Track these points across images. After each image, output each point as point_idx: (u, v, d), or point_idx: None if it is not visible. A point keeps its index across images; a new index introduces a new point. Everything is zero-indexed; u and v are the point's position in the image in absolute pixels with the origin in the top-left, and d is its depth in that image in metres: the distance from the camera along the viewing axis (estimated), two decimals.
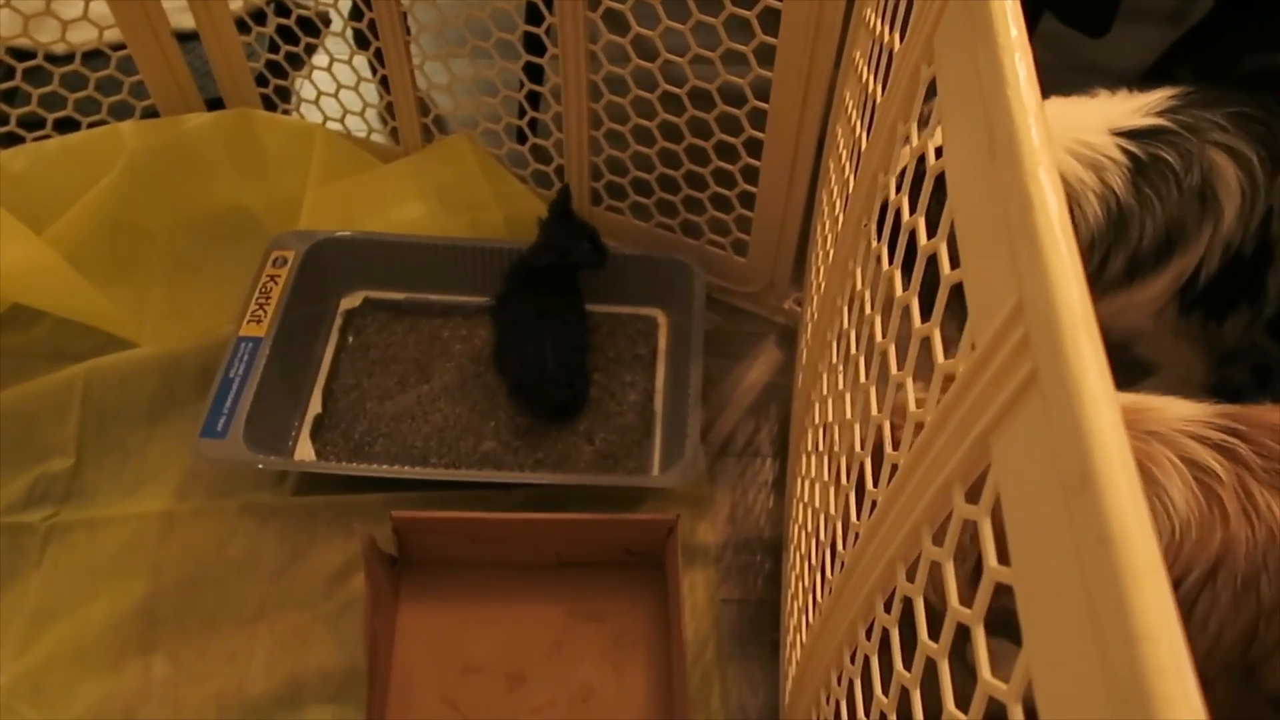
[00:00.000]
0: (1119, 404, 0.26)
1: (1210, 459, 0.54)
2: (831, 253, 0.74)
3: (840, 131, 0.81)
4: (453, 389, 1.01)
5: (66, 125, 1.15)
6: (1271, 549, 0.53)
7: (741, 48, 0.85)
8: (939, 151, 0.41)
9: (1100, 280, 0.79)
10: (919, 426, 0.39)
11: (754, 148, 0.94)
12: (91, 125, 1.15)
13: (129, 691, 0.80)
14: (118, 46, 1.12)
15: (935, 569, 0.38)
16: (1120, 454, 0.25)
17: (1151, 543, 0.24)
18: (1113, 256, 0.78)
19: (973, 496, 0.34)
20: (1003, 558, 0.31)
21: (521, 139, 1.14)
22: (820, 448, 0.70)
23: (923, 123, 0.47)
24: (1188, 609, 0.53)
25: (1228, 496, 0.54)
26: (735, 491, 0.96)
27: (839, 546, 0.55)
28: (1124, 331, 0.89)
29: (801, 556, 0.73)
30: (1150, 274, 0.80)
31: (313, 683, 0.80)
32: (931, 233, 0.41)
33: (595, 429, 0.98)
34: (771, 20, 0.82)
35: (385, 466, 0.94)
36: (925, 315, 0.41)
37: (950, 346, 0.38)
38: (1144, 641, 0.22)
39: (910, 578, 0.41)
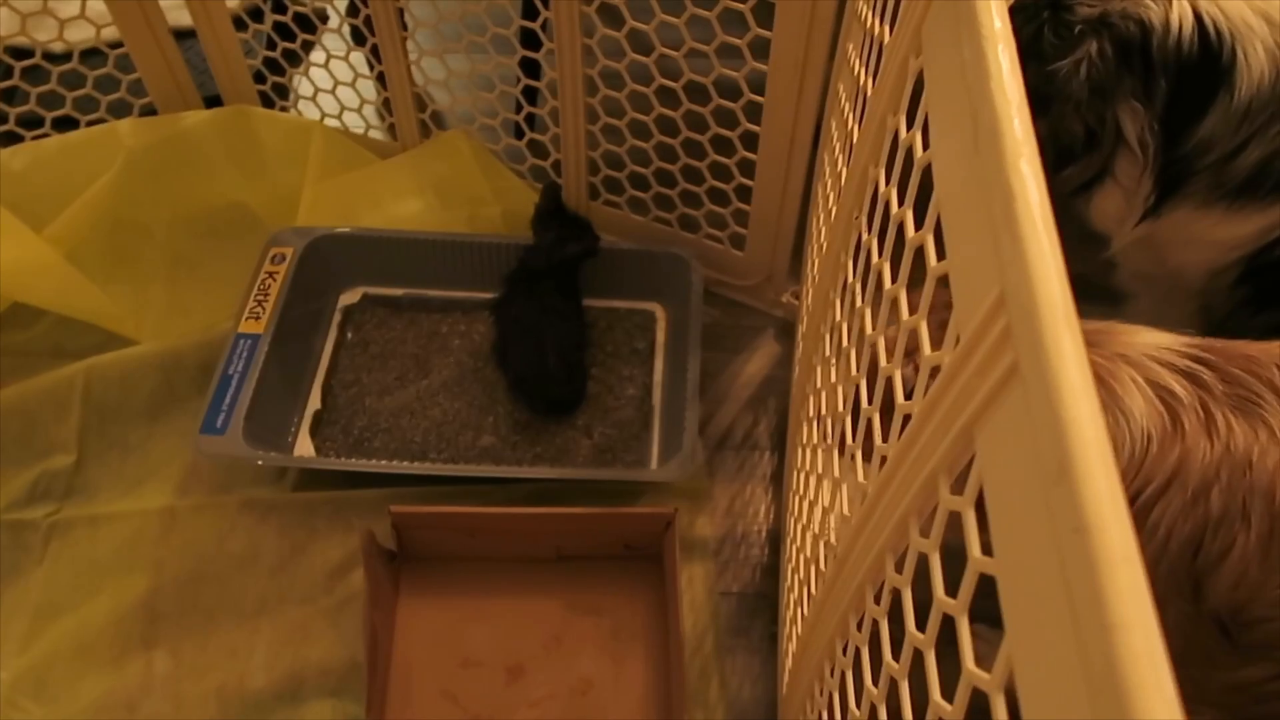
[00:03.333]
0: (1089, 374, 0.26)
1: (1173, 382, 0.56)
2: (825, 245, 0.74)
3: (834, 124, 0.81)
4: (451, 384, 1.01)
5: (65, 124, 1.15)
6: (1225, 463, 0.54)
7: (736, 41, 0.85)
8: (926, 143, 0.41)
9: (1222, 175, 0.70)
10: (906, 418, 0.40)
11: (750, 141, 0.94)
12: (90, 123, 1.15)
13: (131, 687, 0.81)
14: (115, 45, 1.12)
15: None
16: (1098, 445, 0.25)
17: (1128, 533, 0.24)
18: (1250, 147, 0.68)
19: (959, 488, 0.35)
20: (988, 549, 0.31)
21: (519, 134, 1.14)
22: (815, 441, 0.70)
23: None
24: (1143, 518, 0.55)
25: (1187, 415, 0.55)
26: (734, 485, 0.96)
27: (832, 539, 0.55)
28: (1160, 267, 0.80)
29: (798, 549, 0.73)
30: (1264, 201, 0.70)
31: (313, 677, 0.81)
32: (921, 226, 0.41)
33: (594, 423, 0.98)
34: (766, 13, 0.82)
35: (384, 462, 0.94)
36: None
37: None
38: (1119, 630, 0.22)
39: (899, 569, 0.41)
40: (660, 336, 1.06)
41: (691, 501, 0.93)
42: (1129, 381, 0.56)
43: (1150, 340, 0.59)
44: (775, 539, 0.92)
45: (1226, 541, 0.54)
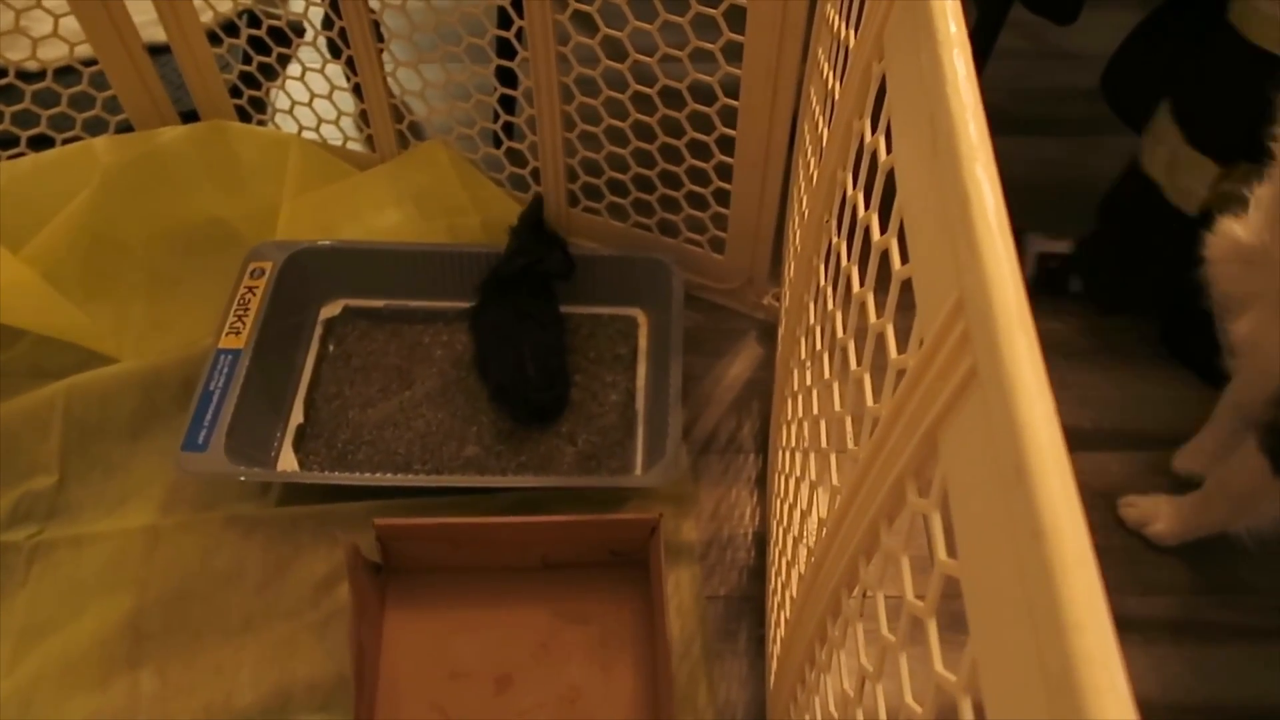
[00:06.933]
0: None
1: None
2: (799, 248, 0.75)
3: (807, 127, 0.81)
4: (434, 395, 1.01)
5: (40, 142, 1.15)
6: None
7: (709, 46, 0.85)
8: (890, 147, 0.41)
9: None
10: (874, 421, 0.40)
11: (726, 145, 0.94)
12: (65, 141, 1.15)
13: (117, 707, 0.80)
14: (89, 62, 1.12)
15: None
16: (1053, 449, 0.25)
17: (1082, 535, 0.24)
18: None
19: (928, 491, 0.35)
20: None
21: (497, 143, 1.14)
22: (793, 444, 0.71)
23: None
24: None
25: None
26: (719, 488, 0.96)
27: (810, 542, 0.55)
28: None
29: (780, 552, 0.73)
30: None
31: (300, 693, 0.81)
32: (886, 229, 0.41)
33: (577, 430, 0.98)
34: (738, 18, 0.82)
35: (368, 475, 0.94)
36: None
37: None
38: (1074, 631, 0.23)
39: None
40: (642, 342, 1.06)
41: (677, 506, 0.93)
42: None
43: None
44: (761, 541, 0.92)
45: None
